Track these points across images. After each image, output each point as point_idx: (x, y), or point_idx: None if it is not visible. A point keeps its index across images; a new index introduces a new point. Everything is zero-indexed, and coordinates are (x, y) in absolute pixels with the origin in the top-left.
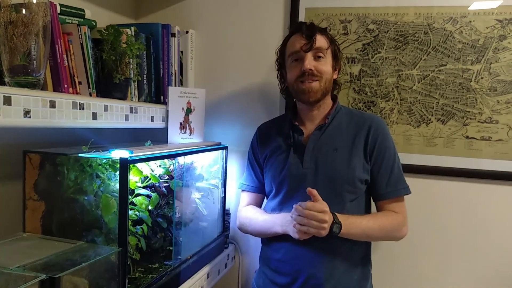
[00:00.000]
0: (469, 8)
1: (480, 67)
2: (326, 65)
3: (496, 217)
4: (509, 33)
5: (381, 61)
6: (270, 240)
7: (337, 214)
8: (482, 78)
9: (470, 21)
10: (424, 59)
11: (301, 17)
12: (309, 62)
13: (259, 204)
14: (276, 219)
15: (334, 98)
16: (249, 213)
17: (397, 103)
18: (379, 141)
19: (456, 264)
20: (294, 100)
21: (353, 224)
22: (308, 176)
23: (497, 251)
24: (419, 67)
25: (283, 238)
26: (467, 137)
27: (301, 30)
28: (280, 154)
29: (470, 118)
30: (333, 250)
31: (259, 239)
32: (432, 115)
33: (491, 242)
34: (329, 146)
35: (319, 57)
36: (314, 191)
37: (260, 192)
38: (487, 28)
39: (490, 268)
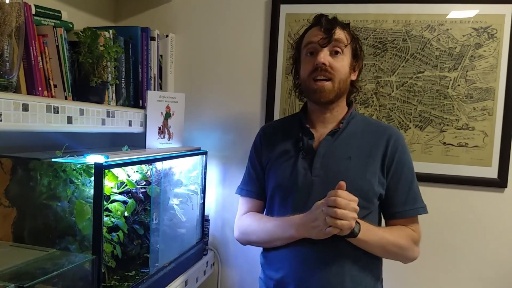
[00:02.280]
0: (447, 17)
1: (457, 74)
2: (342, 63)
3: (473, 221)
4: (484, 42)
5: None
6: (271, 258)
7: None
8: (458, 85)
9: (447, 29)
10: (403, 66)
11: (282, 23)
12: (324, 56)
13: (261, 212)
14: (291, 222)
15: (349, 103)
16: (253, 220)
17: (376, 109)
18: (398, 154)
19: (434, 271)
20: (306, 100)
21: (371, 231)
22: (316, 185)
23: (475, 255)
24: (398, 74)
25: (287, 254)
26: (444, 143)
27: (320, 23)
28: (287, 159)
29: (447, 125)
30: (343, 268)
31: (240, 245)
32: (410, 122)
33: (468, 247)
34: (342, 153)
35: (336, 52)
36: (344, 183)
37: (262, 199)
38: (463, 36)
39: (470, 273)
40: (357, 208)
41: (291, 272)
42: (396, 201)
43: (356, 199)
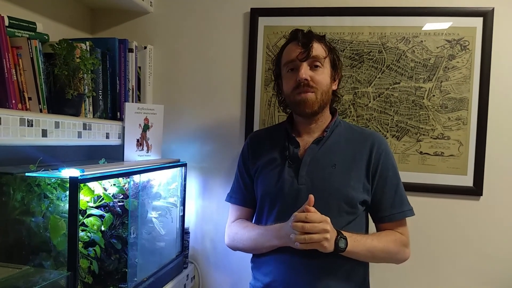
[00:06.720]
0: (422, 29)
1: (432, 85)
2: (323, 75)
3: (449, 229)
4: (457, 53)
5: None
6: (260, 262)
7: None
8: (433, 95)
9: (422, 41)
10: (379, 77)
11: (260, 35)
12: (305, 71)
13: (249, 219)
14: (272, 231)
15: (333, 111)
16: (240, 228)
17: (354, 119)
18: (383, 159)
19: (411, 278)
20: (291, 111)
21: (358, 242)
22: (303, 192)
23: (451, 263)
24: (374, 85)
25: (275, 260)
26: (421, 152)
27: (297, 38)
28: (274, 168)
29: (423, 134)
30: (329, 274)
31: (220, 258)
32: (387, 132)
33: (444, 254)
34: (327, 161)
35: (316, 66)
36: (310, 208)
37: (250, 206)
38: (437, 48)
39: (446, 280)
40: (327, 228)
41: (279, 277)
42: (383, 205)
43: (325, 219)
